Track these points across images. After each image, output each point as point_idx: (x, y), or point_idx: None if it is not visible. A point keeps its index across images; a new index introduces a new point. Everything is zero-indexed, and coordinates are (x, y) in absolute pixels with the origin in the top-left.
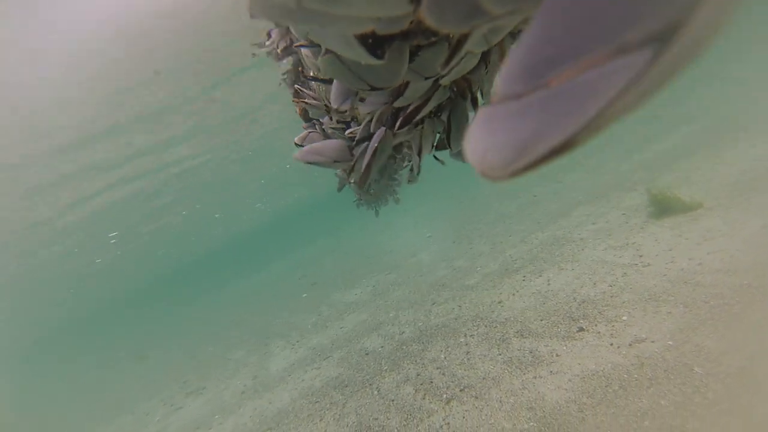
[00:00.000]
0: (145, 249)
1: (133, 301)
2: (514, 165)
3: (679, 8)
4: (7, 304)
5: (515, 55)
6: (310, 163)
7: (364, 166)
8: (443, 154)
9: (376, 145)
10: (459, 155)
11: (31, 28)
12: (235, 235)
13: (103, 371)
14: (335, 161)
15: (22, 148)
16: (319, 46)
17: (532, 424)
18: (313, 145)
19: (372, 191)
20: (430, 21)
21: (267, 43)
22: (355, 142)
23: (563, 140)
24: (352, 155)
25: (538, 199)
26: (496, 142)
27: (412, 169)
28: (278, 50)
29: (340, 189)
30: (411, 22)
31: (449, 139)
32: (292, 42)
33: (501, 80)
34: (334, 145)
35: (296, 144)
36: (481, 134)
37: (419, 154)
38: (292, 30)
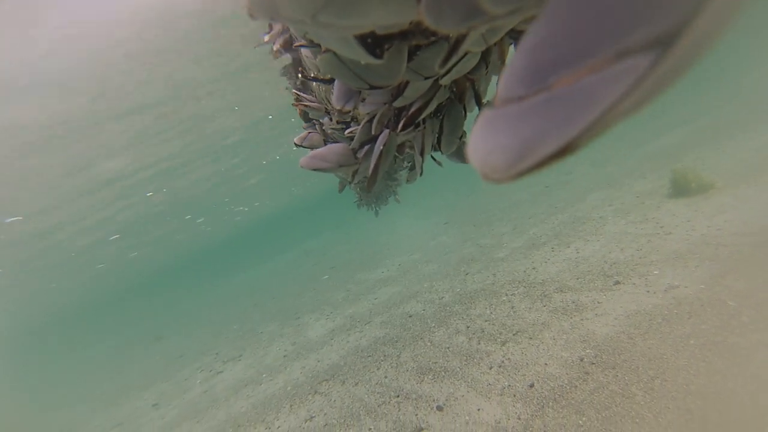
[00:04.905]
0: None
1: (137, 292)
2: (516, 167)
3: (681, 12)
4: (19, 289)
5: (517, 58)
6: (315, 169)
7: (371, 168)
8: (441, 155)
9: (382, 147)
10: (453, 156)
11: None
12: (235, 229)
13: (125, 351)
14: (340, 165)
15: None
16: (319, 45)
17: (588, 351)
18: (317, 151)
19: (372, 191)
20: (428, 21)
21: (266, 38)
22: (358, 145)
23: (564, 143)
24: (356, 158)
25: (550, 189)
26: (498, 144)
27: (412, 169)
28: (277, 47)
29: (341, 190)
30: (410, 23)
31: (440, 141)
32: (291, 39)
33: (503, 83)
34: (337, 149)
35: (296, 144)
36: (484, 137)
37: (422, 154)
38: (291, 29)
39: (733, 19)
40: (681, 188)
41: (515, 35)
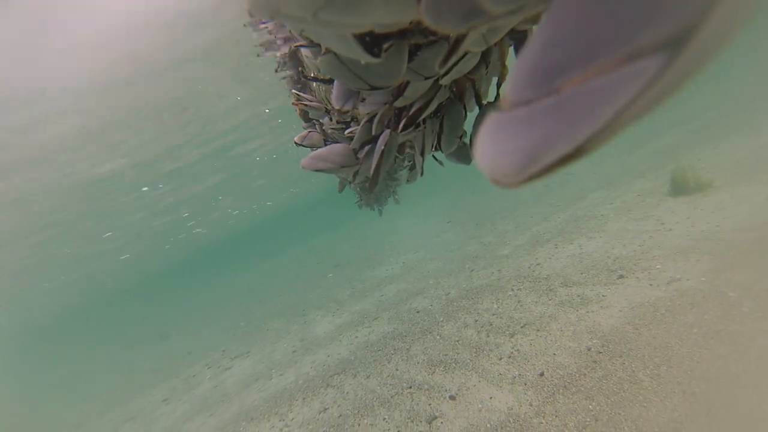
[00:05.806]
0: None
1: (141, 291)
2: (525, 172)
3: (692, 12)
4: (23, 289)
5: (523, 60)
6: (317, 170)
7: (372, 168)
8: (442, 155)
9: (383, 147)
10: (453, 156)
11: None
12: (236, 228)
13: (132, 350)
14: (342, 166)
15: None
16: (319, 46)
17: (595, 341)
18: (318, 151)
19: (373, 192)
20: (428, 21)
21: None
22: (359, 145)
23: (574, 147)
24: (357, 159)
25: (550, 188)
26: (506, 149)
27: (412, 169)
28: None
29: (341, 190)
30: (410, 22)
31: (440, 141)
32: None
33: (510, 86)
34: (338, 149)
35: (296, 143)
36: (491, 141)
37: (422, 154)
38: (290, 28)
39: (746, 19)
40: (680, 187)
41: (515, 35)
